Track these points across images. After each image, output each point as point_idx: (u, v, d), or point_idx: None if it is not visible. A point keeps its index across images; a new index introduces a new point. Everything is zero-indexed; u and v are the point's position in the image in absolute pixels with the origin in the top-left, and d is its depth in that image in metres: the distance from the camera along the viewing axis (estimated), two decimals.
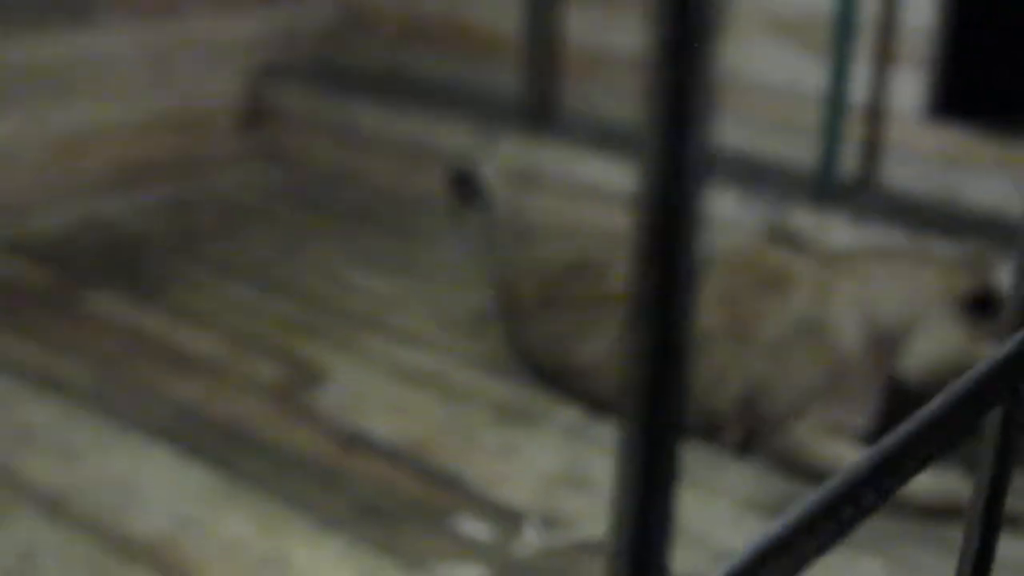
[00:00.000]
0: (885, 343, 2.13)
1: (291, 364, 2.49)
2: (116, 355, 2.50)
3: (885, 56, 2.83)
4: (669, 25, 0.36)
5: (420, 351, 2.56)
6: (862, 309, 2.14)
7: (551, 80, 3.28)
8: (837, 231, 2.67)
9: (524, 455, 2.19)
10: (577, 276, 2.35)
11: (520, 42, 3.31)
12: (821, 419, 2.13)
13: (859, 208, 2.74)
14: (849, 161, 2.87)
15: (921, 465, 0.63)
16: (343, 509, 2.01)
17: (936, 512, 2.01)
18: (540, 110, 3.28)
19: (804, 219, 2.70)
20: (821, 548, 0.53)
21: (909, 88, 2.84)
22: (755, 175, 2.93)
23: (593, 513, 2.02)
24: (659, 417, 0.37)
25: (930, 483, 2.01)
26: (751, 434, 2.20)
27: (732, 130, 3.02)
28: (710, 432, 2.21)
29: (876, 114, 2.86)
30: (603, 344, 2.29)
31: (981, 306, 2.08)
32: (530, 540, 1.95)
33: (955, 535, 1.99)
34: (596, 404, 2.32)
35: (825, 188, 2.77)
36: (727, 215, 2.79)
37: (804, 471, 2.13)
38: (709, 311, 2.19)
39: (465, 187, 2.82)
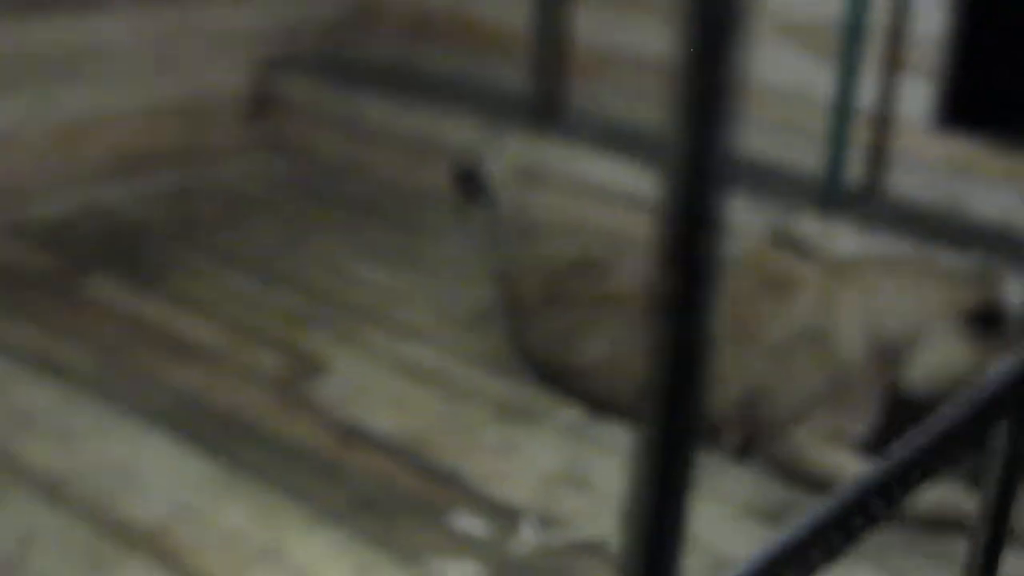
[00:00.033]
0: (888, 354, 2.12)
1: (292, 355, 2.49)
2: (116, 341, 2.50)
3: (894, 63, 2.83)
4: (697, 29, 0.36)
5: (422, 346, 2.56)
6: (867, 318, 2.14)
7: (558, 78, 3.28)
8: (842, 238, 2.67)
9: (523, 453, 2.19)
10: (580, 275, 2.35)
11: (528, 39, 3.31)
12: (821, 426, 2.13)
13: (864, 215, 2.74)
14: (855, 168, 2.86)
15: (929, 477, 0.63)
16: (341, 502, 2.01)
17: (935, 523, 2.00)
18: (547, 108, 3.28)
19: (809, 225, 2.70)
20: (830, 556, 0.53)
21: (917, 96, 2.84)
22: (761, 179, 2.93)
23: (591, 513, 2.02)
24: (676, 420, 0.37)
25: (929, 494, 2.01)
26: (750, 438, 2.20)
27: (738, 133, 3.01)
28: (709, 435, 2.20)
29: (884, 121, 2.86)
30: (605, 344, 2.28)
31: (986, 320, 2.08)
32: (527, 538, 1.95)
33: (954, 547, 1.99)
34: (597, 404, 2.31)
35: (831, 194, 2.77)
36: (732, 218, 2.78)
37: (802, 477, 2.12)
38: None
39: (470, 183, 2.82)
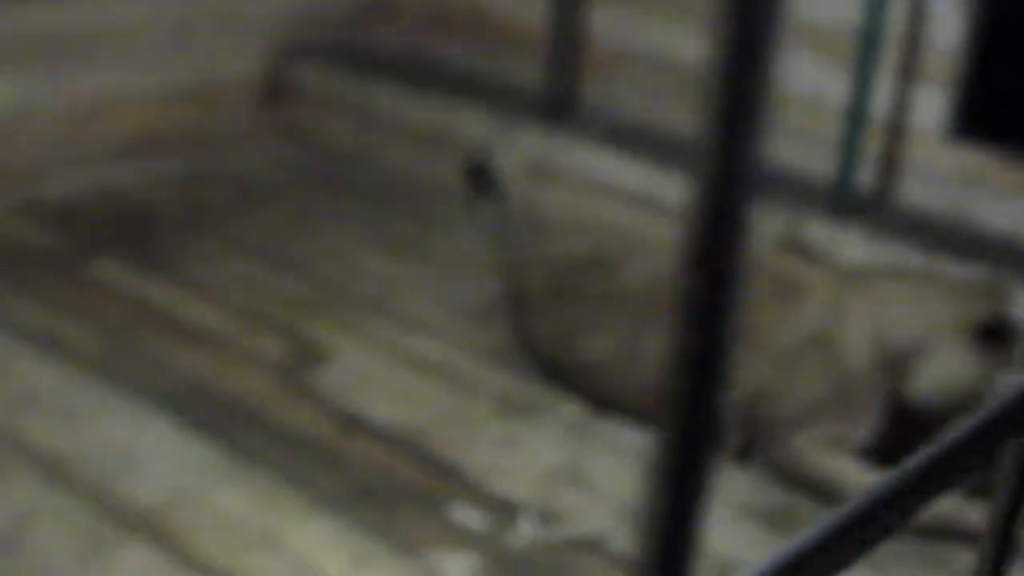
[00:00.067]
0: (893, 363, 2.12)
1: (297, 343, 2.49)
2: (122, 323, 2.51)
3: (909, 72, 2.82)
4: (733, 34, 0.36)
5: (427, 338, 2.56)
6: (874, 327, 2.14)
7: (573, 75, 3.28)
8: (850, 245, 2.66)
9: (524, 448, 2.19)
10: (588, 272, 2.35)
11: (544, 35, 3.31)
12: (823, 431, 2.13)
13: (874, 223, 2.73)
14: (866, 175, 2.86)
15: (942, 489, 0.63)
16: (340, 490, 2.01)
17: (936, 533, 2.00)
18: (560, 104, 3.27)
19: (818, 231, 2.70)
20: (841, 566, 0.53)
21: (931, 105, 2.84)
22: (771, 184, 2.92)
23: (590, 509, 2.02)
24: (695, 425, 0.37)
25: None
26: (751, 441, 2.20)
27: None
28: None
29: (897, 130, 2.85)
30: (609, 342, 2.28)
31: (993, 334, 2.08)
32: (525, 533, 1.95)
33: (953, 556, 1.99)
34: (599, 401, 2.31)
35: (841, 201, 2.76)
36: None
37: (802, 482, 2.12)
38: None
39: (480, 177, 2.82)
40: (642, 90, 3.28)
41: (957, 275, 2.32)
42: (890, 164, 2.88)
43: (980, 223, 2.80)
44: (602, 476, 2.12)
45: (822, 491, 2.10)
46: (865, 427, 2.13)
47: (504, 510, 2.00)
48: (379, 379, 2.38)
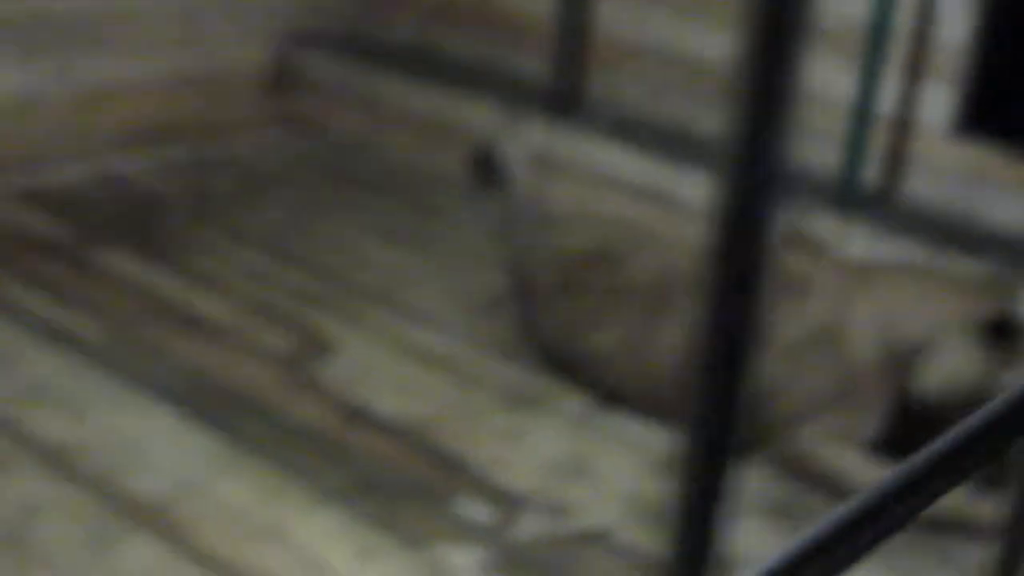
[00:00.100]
0: (899, 358, 2.12)
1: (301, 334, 2.49)
2: (126, 313, 2.50)
3: (916, 69, 2.82)
4: (760, 33, 0.36)
5: (431, 330, 2.56)
6: (880, 323, 2.14)
7: (580, 68, 3.27)
8: (857, 240, 2.66)
9: (529, 441, 2.19)
10: (595, 265, 2.35)
11: (551, 27, 3.30)
12: (829, 426, 2.13)
13: (879, 219, 2.73)
14: (873, 171, 2.86)
15: (951, 484, 0.63)
16: (344, 483, 2.01)
17: (944, 525, 2.00)
18: (567, 97, 3.27)
19: (824, 226, 2.69)
20: (851, 559, 0.53)
21: (938, 102, 2.83)
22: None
23: (596, 502, 2.02)
24: (720, 424, 0.37)
25: None
26: (757, 435, 2.20)
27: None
28: None
29: (903, 126, 2.85)
30: (616, 335, 2.28)
31: (999, 330, 2.08)
32: (529, 526, 1.95)
33: (959, 548, 1.99)
34: (605, 394, 2.31)
35: (847, 197, 2.76)
36: None
37: (808, 476, 2.12)
38: None
39: (486, 168, 2.82)
40: (649, 83, 3.27)
41: (963, 271, 2.32)
42: (896, 160, 2.88)
43: (986, 219, 2.79)
44: (608, 469, 2.12)
45: (828, 485, 2.10)
46: (871, 422, 2.13)
47: (509, 503, 2.00)
48: (383, 371, 2.38)
